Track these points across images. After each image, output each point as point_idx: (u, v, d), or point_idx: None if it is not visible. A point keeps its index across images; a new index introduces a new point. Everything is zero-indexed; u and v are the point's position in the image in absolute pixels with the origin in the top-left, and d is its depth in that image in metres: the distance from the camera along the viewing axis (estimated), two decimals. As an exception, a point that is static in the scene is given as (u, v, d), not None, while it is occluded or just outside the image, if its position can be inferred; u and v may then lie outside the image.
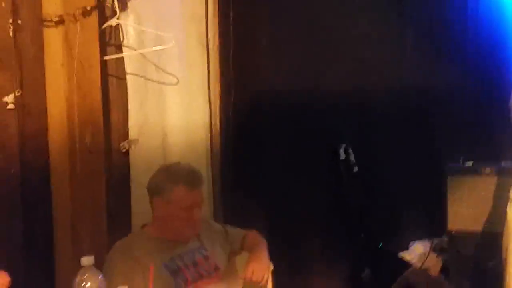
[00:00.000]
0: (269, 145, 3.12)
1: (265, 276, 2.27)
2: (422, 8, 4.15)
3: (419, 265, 3.68)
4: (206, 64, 2.94)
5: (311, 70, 3.39)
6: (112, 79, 2.47)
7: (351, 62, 3.70)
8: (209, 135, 2.90)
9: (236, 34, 3.03)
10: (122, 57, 2.51)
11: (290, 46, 3.28)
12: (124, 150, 2.54)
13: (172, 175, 2.23)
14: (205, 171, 2.75)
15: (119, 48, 2.51)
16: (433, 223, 3.92)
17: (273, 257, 2.36)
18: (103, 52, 2.40)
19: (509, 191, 2.98)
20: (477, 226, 3.70)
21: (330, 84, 3.44)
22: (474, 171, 3.84)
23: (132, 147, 2.55)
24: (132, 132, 2.56)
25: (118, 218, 2.47)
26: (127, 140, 2.55)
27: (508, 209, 2.90)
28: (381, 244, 3.17)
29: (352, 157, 3.44)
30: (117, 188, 2.49)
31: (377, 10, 3.81)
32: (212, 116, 2.90)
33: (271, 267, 2.35)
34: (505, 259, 2.89)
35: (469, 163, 3.91)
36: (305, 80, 3.32)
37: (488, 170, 3.78)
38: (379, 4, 3.82)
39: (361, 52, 3.80)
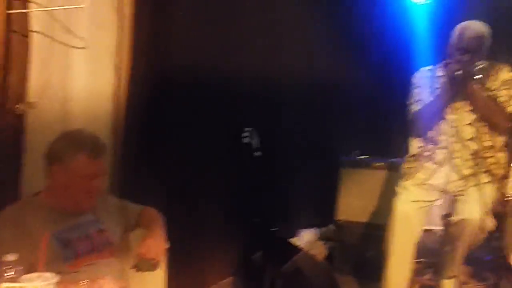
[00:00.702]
0: (175, 123, 3.07)
1: (159, 254, 2.25)
2: (335, 3, 4.25)
3: (307, 250, 3.82)
4: (118, 30, 2.82)
5: (225, 50, 3.37)
6: (15, 35, 2.29)
7: (263, 48, 3.72)
8: (114, 104, 2.79)
9: (153, 2, 2.93)
10: (28, 13, 2.33)
11: (209, 24, 3.23)
12: (19, 113, 2.37)
13: (74, 142, 2.14)
14: (107, 142, 2.65)
15: (25, 3, 2.33)
16: (325, 212, 4.09)
17: (168, 236, 2.34)
18: (8, 6, 2.22)
19: (397, 186, 3.16)
20: (364, 217, 3.91)
21: (241, 67, 3.44)
22: (365, 165, 4.04)
23: (29, 110, 2.39)
24: (31, 94, 2.40)
25: (7, 184, 2.32)
26: (24, 102, 2.38)
27: (394, 203, 3.08)
28: (274, 229, 3.24)
29: (255, 142, 3.46)
30: (7, 152, 2.33)
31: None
32: (119, 86, 2.79)
33: (166, 245, 2.33)
34: (386, 250, 3.07)
35: (362, 157, 4.11)
36: (218, 60, 3.29)
37: (378, 164, 3.99)
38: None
39: (273, 39, 3.83)
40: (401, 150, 3.32)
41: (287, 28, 3.93)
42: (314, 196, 4.21)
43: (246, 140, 3.48)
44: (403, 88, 3.27)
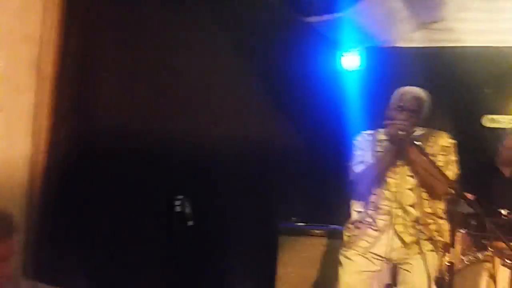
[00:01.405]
0: (99, 193, 2.80)
1: None
2: (271, 65, 4.21)
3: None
4: (36, 92, 2.58)
5: (155, 114, 3.19)
6: None
7: (196, 113, 3.58)
8: (29, 173, 2.51)
9: (76, 61, 2.72)
10: None
11: (136, 87, 3.05)
12: None
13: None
14: (20, 217, 2.36)
15: None
16: (263, 283, 3.87)
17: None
18: None
19: (338, 254, 3.02)
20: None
21: (172, 133, 3.27)
22: (304, 232, 3.89)
23: None
24: None
25: None
26: None
27: (338, 274, 2.93)
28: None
29: (188, 210, 3.25)
30: None
31: (230, 61, 3.76)
32: (36, 152, 2.53)
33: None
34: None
35: (301, 224, 3.96)
36: (146, 124, 3.10)
37: (318, 231, 3.86)
38: (232, 57, 3.77)
39: (207, 103, 3.70)
40: (341, 217, 3.19)
41: (221, 92, 3.81)
42: (250, 266, 3.99)
43: (177, 209, 3.28)
44: (342, 153, 3.20)
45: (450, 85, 4.86)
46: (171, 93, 3.36)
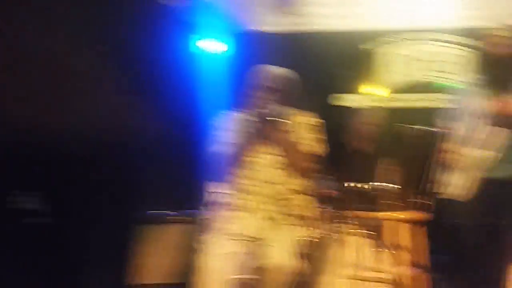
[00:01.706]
0: None
1: None
2: (129, 49, 3.98)
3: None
4: None
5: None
6: None
7: (40, 99, 3.25)
8: None
9: None
10: None
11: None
12: None
13: None
14: None
15: None
16: (120, 275, 3.63)
17: None
18: None
19: (195, 241, 2.91)
20: (162, 278, 3.56)
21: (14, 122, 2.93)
22: (160, 220, 3.73)
23: None
24: None
25: None
26: None
27: (197, 258, 2.83)
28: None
29: (31, 206, 2.95)
30: None
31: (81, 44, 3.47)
32: None
33: None
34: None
35: (156, 212, 3.78)
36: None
37: (174, 218, 3.71)
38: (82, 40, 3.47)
39: (54, 88, 3.39)
40: (202, 200, 3.08)
41: (71, 77, 3.50)
42: (106, 259, 3.72)
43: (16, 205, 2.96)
44: (203, 135, 3.08)
45: (303, 68, 4.95)
46: (13, 79, 3.01)
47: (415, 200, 2.75)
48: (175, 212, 3.70)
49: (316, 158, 2.87)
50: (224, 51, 5.15)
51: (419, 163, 2.70)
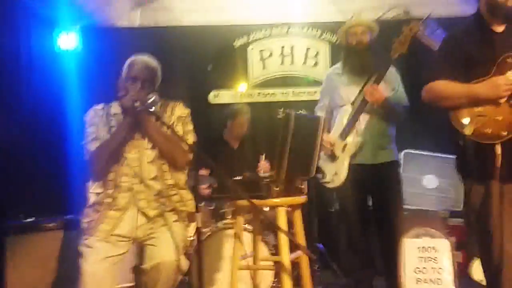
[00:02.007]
0: None
1: None
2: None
3: None
4: None
5: None
6: None
7: None
8: None
9: None
10: None
11: None
12: None
13: None
14: None
15: None
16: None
17: None
18: None
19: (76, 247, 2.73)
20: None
21: None
22: (36, 228, 3.48)
23: None
24: None
25: None
26: None
27: (79, 265, 2.63)
28: None
29: None
30: None
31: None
32: None
33: None
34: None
35: (30, 220, 3.53)
36: None
37: (51, 225, 3.49)
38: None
39: None
40: (79, 203, 2.90)
41: None
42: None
43: None
44: (72, 134, 2.91)
45: (175, 64, 4.90)
46: None
47: (296, 185, 2.83)
48: (50, 219, 3.45)
49: (190, 149, 2.79)
50: (82, 47, 4.97)
51: (301, 149, 2.78)
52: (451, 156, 4.13)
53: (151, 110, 2.68)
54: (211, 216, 4.03)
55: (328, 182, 3.60)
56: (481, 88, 2.63)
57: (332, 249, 4.31)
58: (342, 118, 3.60)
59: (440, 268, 3.39)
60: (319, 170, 3.59)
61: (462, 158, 2.78)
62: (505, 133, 2.57)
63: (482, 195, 2.67)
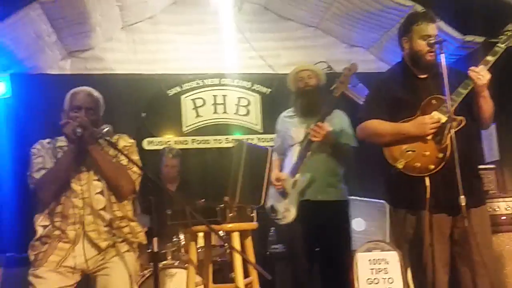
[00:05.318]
0: None
1: None
2: None
3: None
4: None
5: None
6: None
7: None
8: None
9: None
10: None
11: None
12: None
13: None
14: None
15: None
16: None
17: None
18: None
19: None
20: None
21: None
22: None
23: None
24: None
25: None
26: None
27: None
28: None
29: None
30: None
31: None
32: None
33: None
34: None
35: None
36: None
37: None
38: None
39: None
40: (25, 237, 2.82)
41: None
42: None
43: None
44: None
45: (107, 110, 4.90)
46: None
47: (247, 213, 2.93)
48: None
49: (135, 179, 2.84)
50: (11, 94, 4.92)
51: (252, 177, 2.89)
52: (378, 201, 4.45)
53: (96, 139, 2.72)
54: (148, 260, 3.98)
55: (280, 219, 3.69)
56: (409, 126, 2.90)
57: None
58: (292, 156, 3.74)
59: (390, 278, 3.55)
60: (272, 208, 3.70)
61: (394, 190, 3.00)
62: (432, 167, 2.82)
63: (415, 224, 2.89)
